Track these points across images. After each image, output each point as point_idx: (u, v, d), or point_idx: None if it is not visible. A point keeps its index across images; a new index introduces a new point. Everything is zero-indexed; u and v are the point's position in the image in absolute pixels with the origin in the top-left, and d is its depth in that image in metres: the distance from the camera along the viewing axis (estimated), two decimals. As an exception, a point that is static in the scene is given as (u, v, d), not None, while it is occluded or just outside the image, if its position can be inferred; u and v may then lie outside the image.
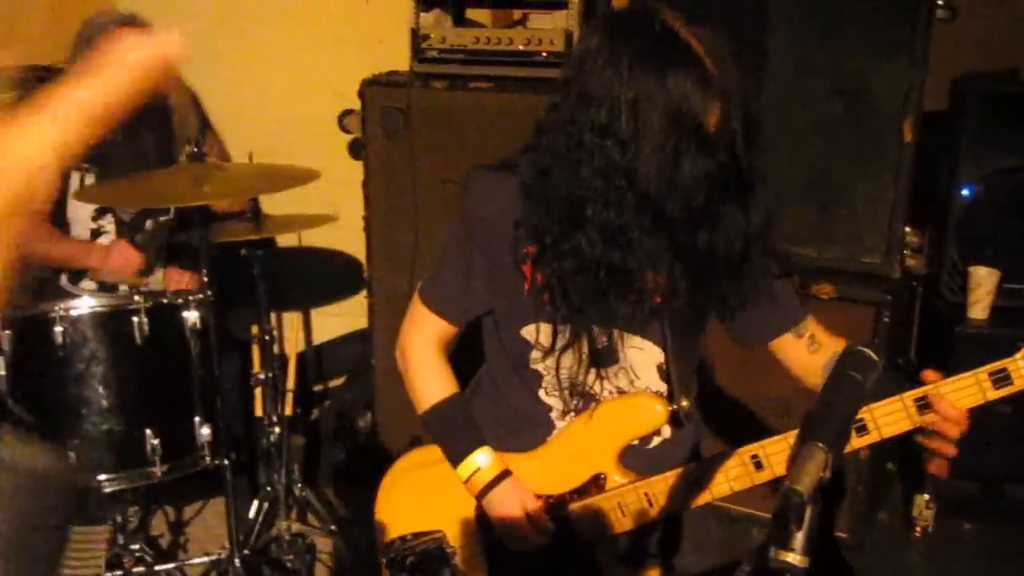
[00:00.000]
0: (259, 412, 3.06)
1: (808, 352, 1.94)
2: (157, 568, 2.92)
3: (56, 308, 2.47)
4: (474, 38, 3.42)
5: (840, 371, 1.20)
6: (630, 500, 1.89)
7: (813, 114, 3.18)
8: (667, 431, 1.98)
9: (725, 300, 1.84)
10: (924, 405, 1.64)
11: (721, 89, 1.63)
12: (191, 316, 2.62)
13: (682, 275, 1.78)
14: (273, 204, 2.93)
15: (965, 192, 3.41)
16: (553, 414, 1.98)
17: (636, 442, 1.95)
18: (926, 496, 3.47)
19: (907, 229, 3.32)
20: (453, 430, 2.00)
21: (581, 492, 1.94)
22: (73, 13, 3.61)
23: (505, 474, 1.94)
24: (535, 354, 1.94)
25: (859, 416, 1.67)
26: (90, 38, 3.29)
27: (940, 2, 3.05)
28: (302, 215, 3.08)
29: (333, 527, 3.24)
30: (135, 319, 2.52)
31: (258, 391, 3.05)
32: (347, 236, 4.30)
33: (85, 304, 2.51)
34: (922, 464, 3.44)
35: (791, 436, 1.73)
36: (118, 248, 3.24)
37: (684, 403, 1.91)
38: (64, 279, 3.45)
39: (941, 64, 3.21)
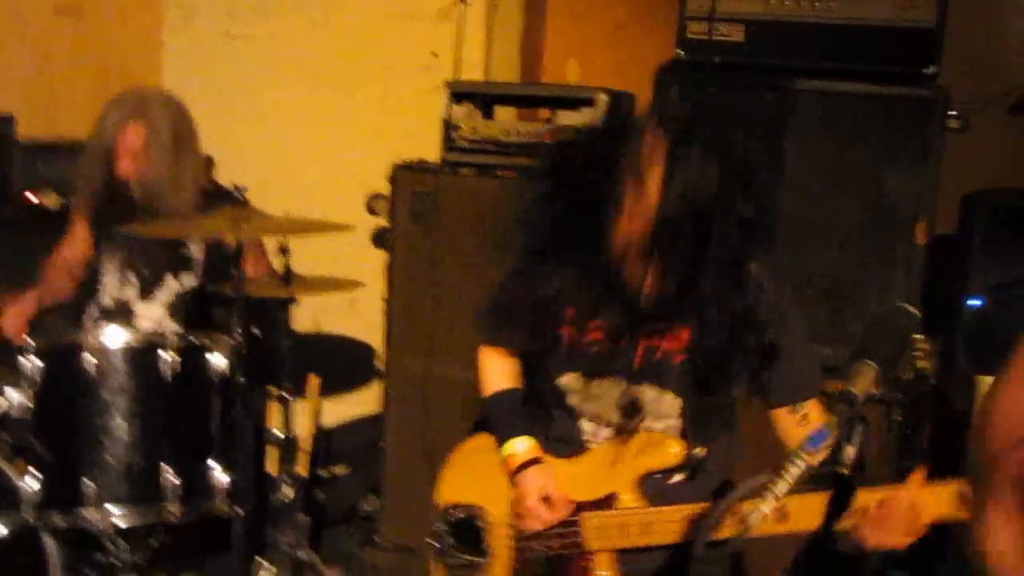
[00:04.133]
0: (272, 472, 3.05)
1: (795, 426, 2.06)
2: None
3: (89, 338, 2.52)
4: (504, 130, 3.56)
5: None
6: (632, 522, 2.01)
7: (827, 217, 3.27)
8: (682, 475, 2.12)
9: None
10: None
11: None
12: (219, 362, 2.66)
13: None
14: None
15: (974, 303, 3.48)
16: (586, 438, 2.16)
17: (659, 476, 2.08)
18: (937, 606, 3.42)
19: (918, 336, 3.39)
20: (503, 416, 2.26)
21: (598, 505, 2.08)
22: (116, 88, 3.77)
23: (537, 460, 2.14)
24: (571, 397, 2.16)
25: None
26: (104, 128, 3.37)
27: (953, 113, 3.20)
28: (330, 278, 3.14)
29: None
30: (165, 356, 2.56)
31: (271, 453, 3.05)
32: (361, 324, 4.39)
33: (118, 337, 2.56)
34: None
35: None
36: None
37: (698, 451, 2.05)
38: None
39: (952, 181, 3.36)
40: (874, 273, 3.23)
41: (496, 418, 2.29)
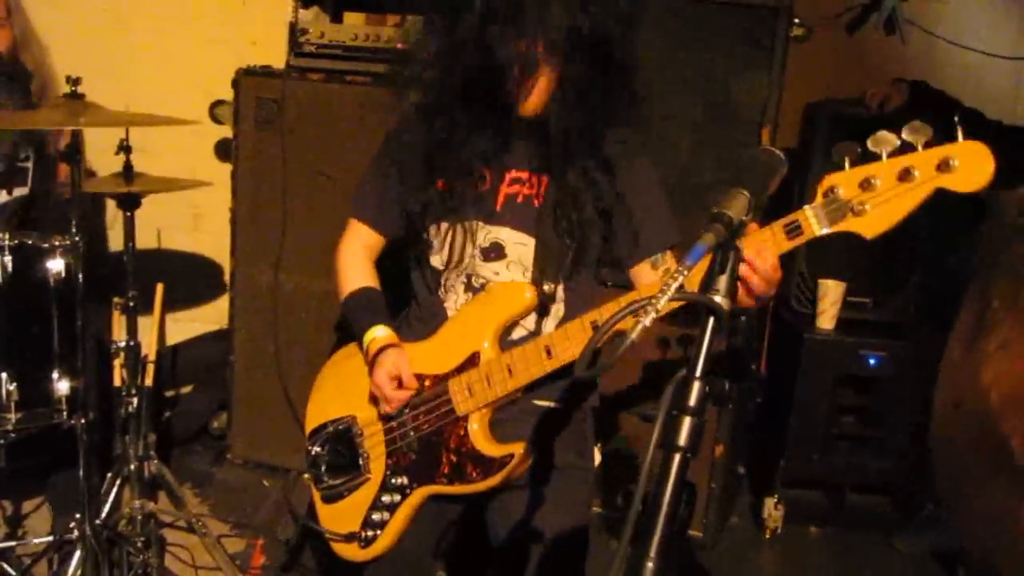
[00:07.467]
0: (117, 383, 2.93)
1: (658, 281, 2.05)
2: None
3: (-88, 238, 2.35)
4: (352, 35, 3.47)
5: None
6: (495, 371, 2.03)
7: (677, 120, 3.32)
8: (532, 322, 2.12)
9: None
10: None
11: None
12: (56, 264, 2.53)
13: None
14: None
15: (815, 209, 3.60)
16: (448, 305, 2.17)
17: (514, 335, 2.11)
18: (775, 497, 3.58)
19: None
20: (361, 311, 2.23)
21: (461, 370, 2.08)
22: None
23: (392, 345, 2.13)
24: (435, 253, 2.15)
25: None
26: None
27: (797, 21, 3.28)
28: (176, 178, 3.01)
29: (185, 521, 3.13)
30: (-1, 257, 2.42)
31: (116, 364, 2.93)
32: (206, 240, 4.25)
33: (-54, 236, 2.40)
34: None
35: (624, 299, 1.89)
36: None
37: (547, 287, 2.07)
38: None
39: (795, 91, 3.46)
40: (721, 176, 3.30)
41: (354, 314, 2.24)
